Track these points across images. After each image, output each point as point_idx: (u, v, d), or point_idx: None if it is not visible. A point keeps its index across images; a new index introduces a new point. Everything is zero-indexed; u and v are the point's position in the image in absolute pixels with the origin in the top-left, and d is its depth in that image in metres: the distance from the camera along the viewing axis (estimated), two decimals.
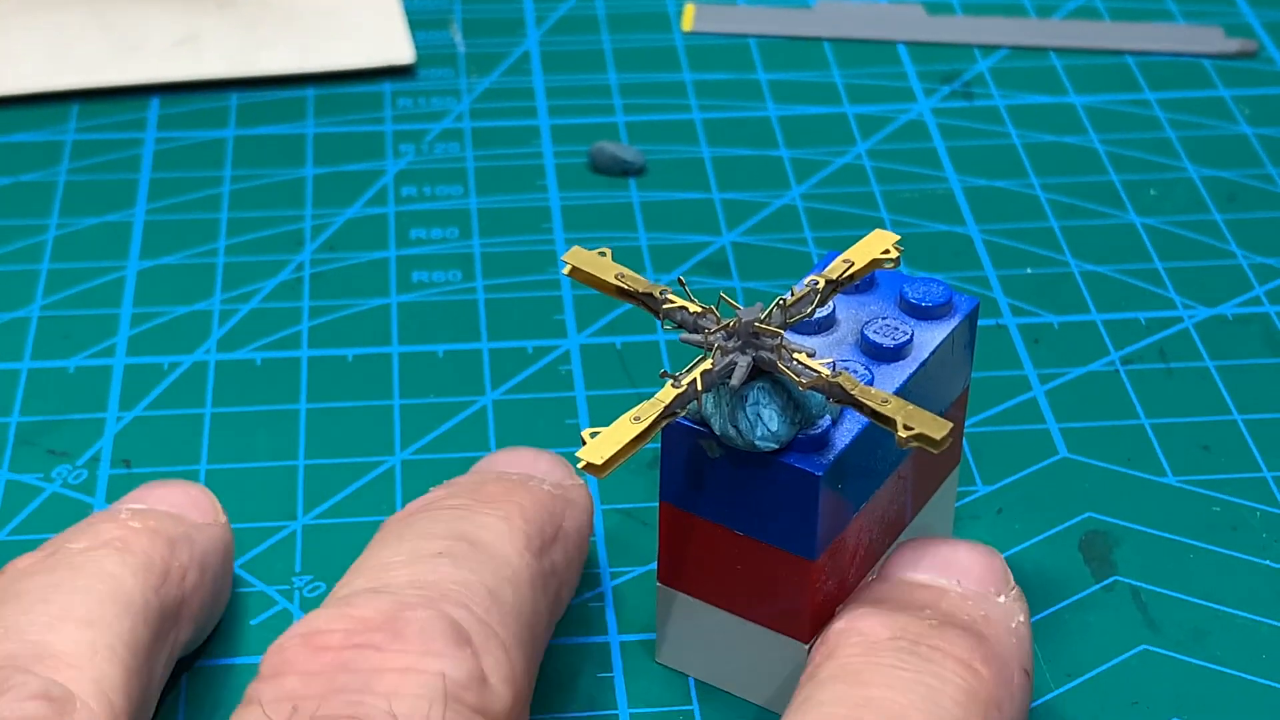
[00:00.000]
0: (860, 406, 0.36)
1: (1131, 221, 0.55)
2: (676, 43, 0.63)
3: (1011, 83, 0.61)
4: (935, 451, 0.35)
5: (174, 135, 0.59)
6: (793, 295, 0.37)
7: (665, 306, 0.38)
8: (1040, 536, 0.45)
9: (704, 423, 0.37)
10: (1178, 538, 0.45)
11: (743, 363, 0.36)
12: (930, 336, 0.39)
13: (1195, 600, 0.43)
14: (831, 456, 0.36)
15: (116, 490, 0.45)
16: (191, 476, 0.46)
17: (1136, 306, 0.52)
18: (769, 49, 0.63)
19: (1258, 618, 0.42)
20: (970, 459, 0.47)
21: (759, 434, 0.36)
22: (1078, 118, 0.59)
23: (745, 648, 0.40)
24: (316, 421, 0.48)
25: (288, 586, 0.43)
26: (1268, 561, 0.44)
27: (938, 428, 0.35)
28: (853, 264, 0.38)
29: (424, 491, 0.45)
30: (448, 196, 0.56)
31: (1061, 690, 0.41)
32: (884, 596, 0.37)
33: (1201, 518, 0.45)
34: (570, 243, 0.54)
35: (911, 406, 0.35)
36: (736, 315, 0.36)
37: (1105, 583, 0.43)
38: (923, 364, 0.39)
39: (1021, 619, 0.37)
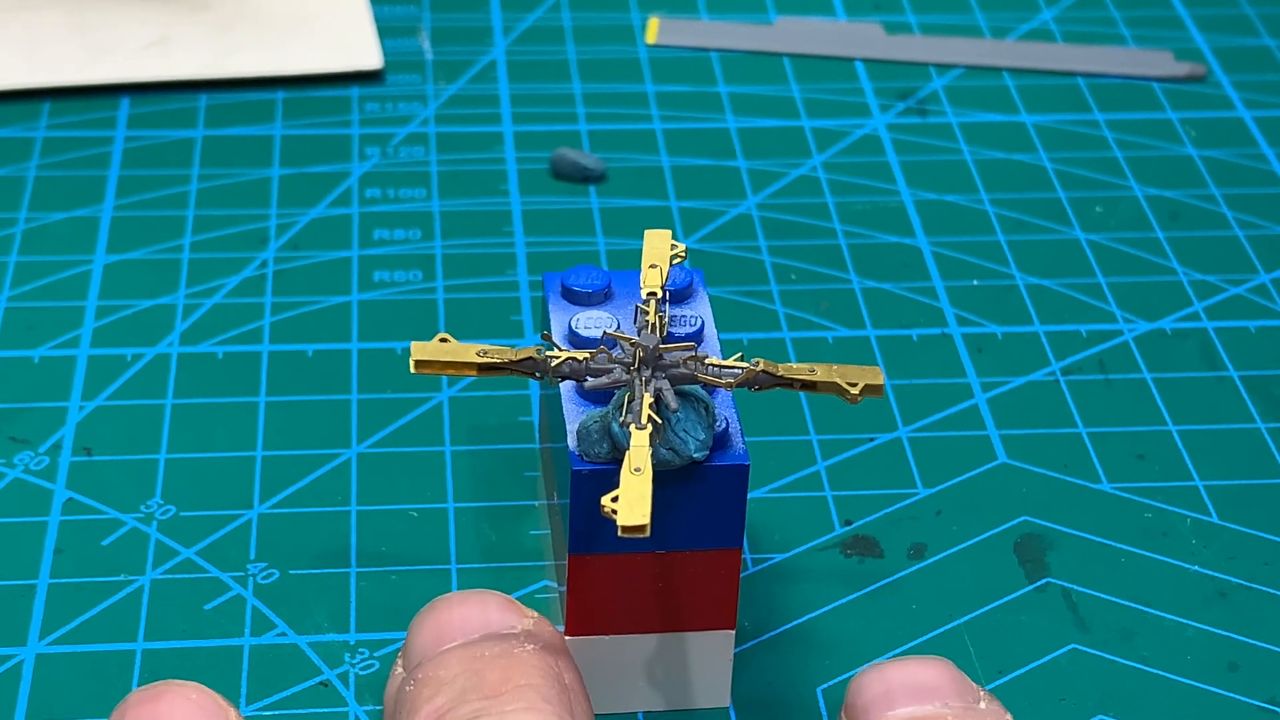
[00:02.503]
0: (790, 384, 0.37)
1: (1077, 237, 0.56)
2: (640, 55, 0.65)
3: (965, 101, 0.63)
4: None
5: (143, 134, 0.60)
6: (649, 310, 0.38)
7: (553, 364, 0.38)
8: (977, 538, 0.46)
9: (608, 459, 0.37)
10: (1110, 542, 0.46)
11: (666, 385, 0.37)
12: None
13: (1124, 602, 0.44)
14: (742, 444, 0.38)
15: (77, 477, 0.46)
16: (151, 465, 0.47)
17: (1078, 319, 0.53)
18: (730, 63, 0.64)
19: (1184, 620, 0.44)
20: (912, 462, 0.48)
21: (693, 447, 0.37)
22: (1028, 136, 0.61)
23: (670, 660, 0.41)
24: (275, 414, 0.49)
25: (242, 573, 0.44)
26: (1196, 567, 0.45)
27: (875, 375, 0.37)
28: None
29: (379, 481, 0.47)
30: (411, 199, 0.57)
31: (992, 686, 0.42)
32: None
33: (1134, 523, 0.47)
34: (531, 246, 0.55)
35: (838, 366, 0.37)
36: (635, 346, 0.37)
37: (1038, 584, 0.45)
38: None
39: (1009, 716, 0.37)
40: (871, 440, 0.49)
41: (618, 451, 0.37)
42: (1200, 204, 0.58)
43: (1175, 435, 0.49)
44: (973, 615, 0.44)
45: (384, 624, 0.43)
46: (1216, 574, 0.45)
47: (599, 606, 0.40)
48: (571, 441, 0.38)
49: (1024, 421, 0.49)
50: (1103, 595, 0.44)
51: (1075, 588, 0.45)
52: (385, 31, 0.65)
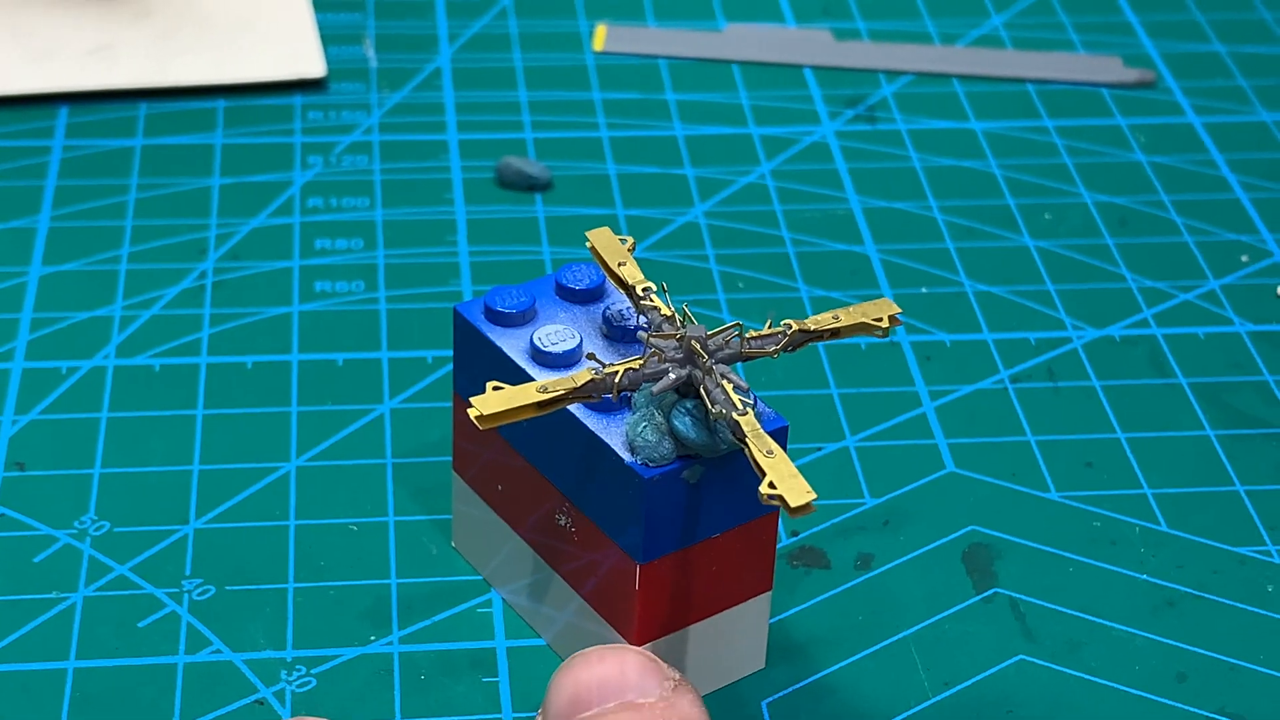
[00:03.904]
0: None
1: (1025, 244, 0.56)
2: (587, 62, 0.64)
3: (914, 108, 0.62)
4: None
5: (82, 143, 0.59)
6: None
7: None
8: (924, 548, 0.46)
9: (672, 459, 0.37)
10: (1058, 551, 0.46)
11: (674, 374, 0.37)
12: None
13: (1072, 612, 0.44)
14: (770, 409, 0.39)
15: (9, 492, 0.45)
16: (85, 480, 0.46)
17: (1027, 326, 0.53)
18: (678, 70, 0.64)
19: (1132, 630, 0.43)
20: (859, 472, 0.48)
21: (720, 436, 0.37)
22: (978, 143, 0.61)
23: (719, 638, 0.41)
24: (212, 427, 0.48)
25: (177, 589, 0.43)
26: (1144, 576, 0.45)
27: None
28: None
29: (319, 495, 0.46)
30: (354, 208, 0.57)
31: (938, 699, 0.42)
32: None
33: (1082, 532, 0.46)
34: (475, 255, 0.55)
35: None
36: (684, 340, 0.37)
37: (985, 594, 0.44)
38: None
39: (695, 694, 0.37)
40: (819, 450, 0.48)
41: (684, 448, 0.37)
42: (1150, 210, 0.58)
43: (1124, 443, 0.49)
44: (920, 626, 0.43)
45: (321, 640, 0.42)
46: (1165, 583, 0.45)
47: (665, 608, 0.40)
48: (623, 452, 0.38)
49: (972, 430, 0.49)
50: (1051, 605, 0.44)
51: (1023, 598, 0.44)
52: (329, 39, 0.64)
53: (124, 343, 0.51)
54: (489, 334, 0.40)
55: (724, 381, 0.37)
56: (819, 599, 0.44)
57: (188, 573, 0.44)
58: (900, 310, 0.39)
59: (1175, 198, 0.58)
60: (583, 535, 0.40)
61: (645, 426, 0.37)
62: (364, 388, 0.50)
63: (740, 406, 0.37)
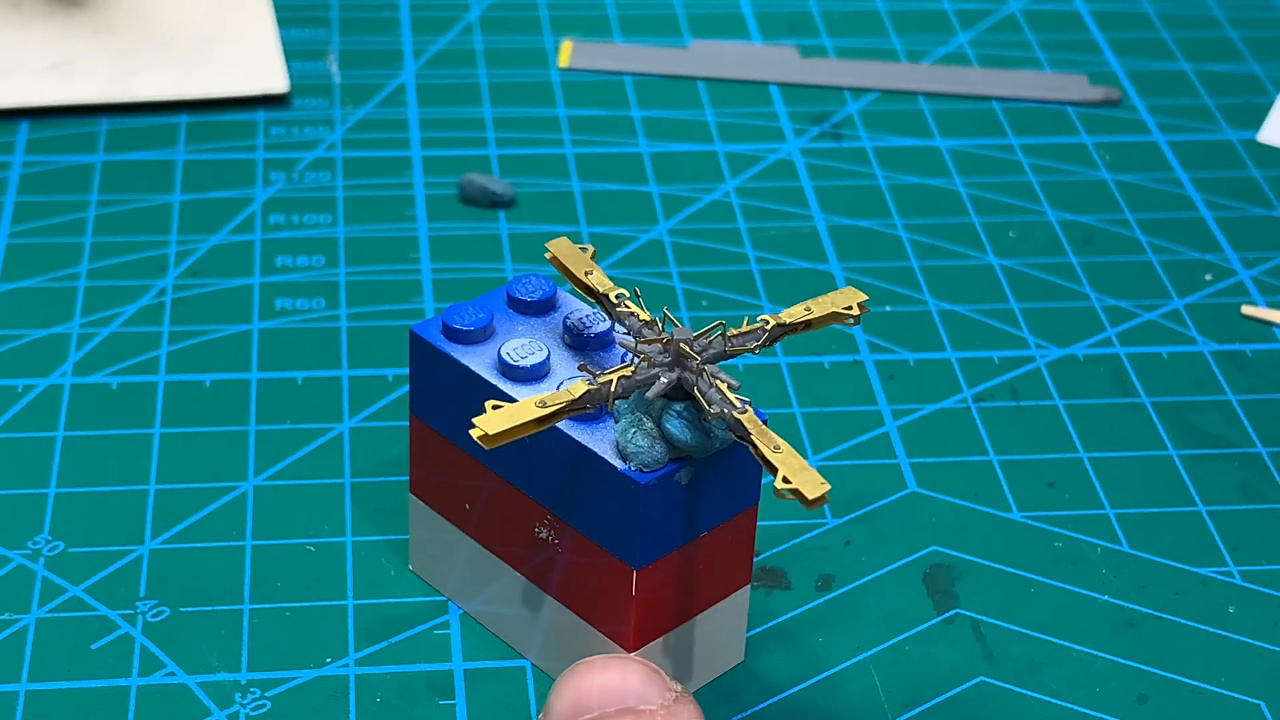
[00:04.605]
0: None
1: (990, 263, 0.56)
2: (552, 78, 0.64)
3: (880, 125, 0.62)
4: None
5: (42, 159, 0.58)
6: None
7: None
8: (886, 569, 0.45)
9: (664, 462, 0.38)
10: (1020, 572, 0.45)
11: (665, 379, 0.37)
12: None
13: (1033, 634, 0.44)
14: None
15: None
16: (39, 500, 0.46)
17: (991, 345, 0.53)
18: (644, 87, 0.64)
19: (1093, 651, 0.43)
20: None
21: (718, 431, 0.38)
22: (943, 161, 0.61)
23: (703, 636, 0.41)
24: (170, 446, 0.48)
25: (131, 611, 0.43)
26: (1105, 597, 0.45)
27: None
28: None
29: (276, 515, 0.46)
30: (316, 225, 0.56)
31: None
32: None
33: (1044, 553, 0.46)
34: (438, 273, 0.54)
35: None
36: (670, 343, 0.37)
37: (946, 615, 0.44)
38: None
39: (695, 705, 0.37)
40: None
41: (677, 450, 0.38)
42: (1114, 229, 0.58)
43: (1086, 462, 0.49)
44: (881, 648, 0.43)
45: (277, 662, 0.42)
46: (1127, 604, 0.45)
47: (658, 610, 0.40)
48: (615, 460, 0.38)
49: (935, 449, 0.49)
50: (1012, 626, 0.44)
51: (984, 619, 0.44)
52: (292, 54, 0.64)
53: (81, 360, 0.50)
54: (453, 353, 0.40)
55: (716, 381, 0.37)
56: (780, 619, 0.44)
57: (142, 594, 0.43)
58: (866, 298, 0.40)
59: (1140, 216, 0.58)
60: (568, 546, 0.40)
61: (635, 433, 0.38)
62: (323, 406, 0.49)
63: (739, 405, 0.37)
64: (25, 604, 0.43)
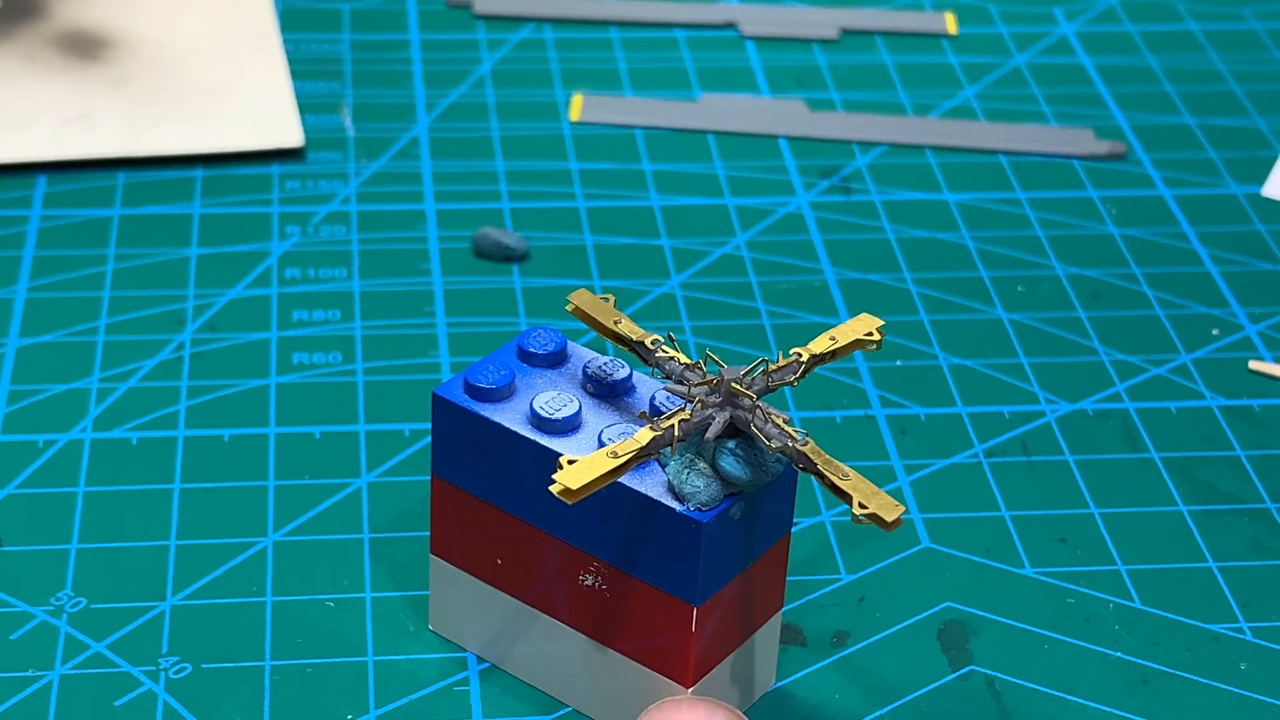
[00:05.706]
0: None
1: (999, 317, 0.57)
2: (564, 132, 0.64)
3: (888, 179, 0.63)
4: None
5: (60, 213, 0.59)
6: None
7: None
8: (900, 625, 0.46)
9: (718, 499, 0.39)
10: (1033, 628, 0.46)
11: (720, 418, 0.38)
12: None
13: (1048, 690, 0.44)
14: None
15: None
16: (62, 555, 0.46)
17: (1001, 400, 0.53)
18: (654, 140, 0.64)
19: (1107, 708, 0.44)
20: (835, 547, 0.48)
21: (771, 460, 0.39)
22: (951, 215, 0.61)
23: (742, 663, 0.42)
24: (190, 502, 0.48)
25: (153, 667, 0.43)
26: (1119, 653, 0.45)
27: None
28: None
29: (296, 571, 0.46)
30: (331, 279, 0.57)
31: None
32: None
33: (1057, 609, 0.46)
34: (453, 326, 0.55)
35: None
36: (720, 384, 0.38)
37: (961, 672, 0.44)
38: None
39: None
40: (796, 524, 0.48)
41: (731, 486, 0.39)
42: (1121, 283, 0.58)
43: (1097, 518, 0.49)
44: (896, 705, 0.43)
45: (298, 719, 0.42)
46: (1139, 660, 0.45)
47: (711, 644, 0.40)
48: (671, 503, 0.38)
49: (947, 505, 0.49)
50: (1026, 683, 0.44)
51: (998, 675, 0.44)
52: (307, 108, 0.64)
53: (101, 415, 0.51)
54: (482, 412, 0.41)
55: (772, 416, 0.38)
56: (795, 676, 0.44)
57: (164, 650, 0.44)
58: (883, 323, 0.41)
59: (1147, 270, 0.59)
60: (618, 591, 0.40)
61: (689, 473, 0.38)
62: (341, 461, 0.50)
63: (798, 437, 0.38)
64: (49, 661, 0.43)
